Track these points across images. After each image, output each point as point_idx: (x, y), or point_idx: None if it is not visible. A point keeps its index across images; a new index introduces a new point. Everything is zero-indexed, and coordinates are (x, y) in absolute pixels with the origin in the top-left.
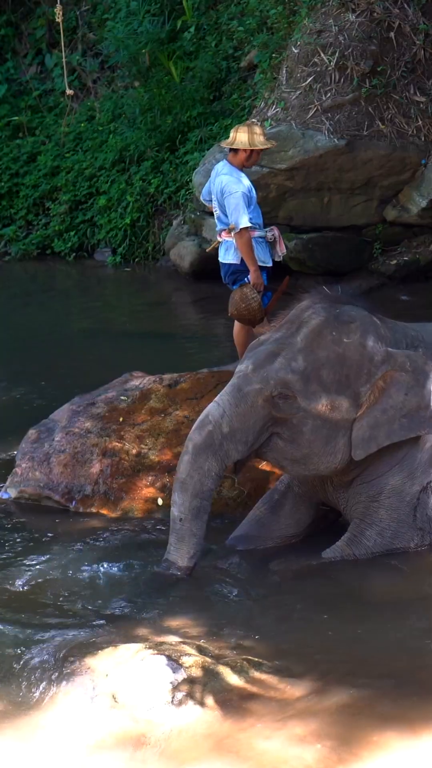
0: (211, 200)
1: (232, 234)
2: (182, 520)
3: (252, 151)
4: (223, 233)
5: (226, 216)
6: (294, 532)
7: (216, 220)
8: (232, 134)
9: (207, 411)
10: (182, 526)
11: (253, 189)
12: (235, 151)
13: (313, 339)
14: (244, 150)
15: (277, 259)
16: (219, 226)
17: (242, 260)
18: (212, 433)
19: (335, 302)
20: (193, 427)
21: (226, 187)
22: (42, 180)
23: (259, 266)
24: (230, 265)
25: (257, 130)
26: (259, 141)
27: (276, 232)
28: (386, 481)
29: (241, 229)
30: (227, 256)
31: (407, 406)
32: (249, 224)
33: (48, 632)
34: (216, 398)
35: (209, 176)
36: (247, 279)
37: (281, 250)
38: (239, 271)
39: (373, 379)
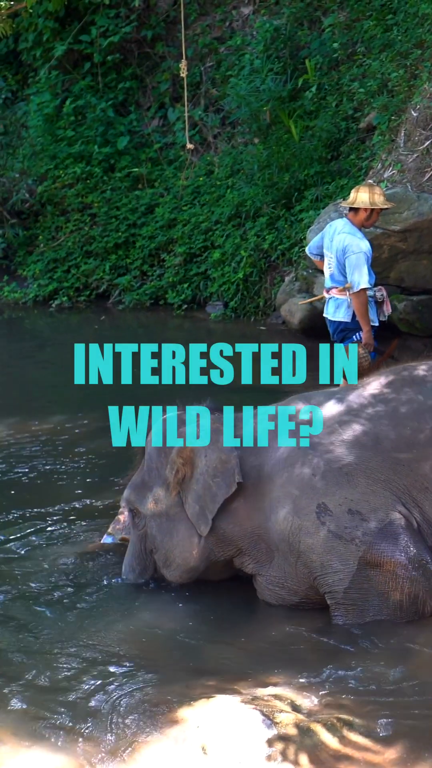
0: (318, 255)
1: (348, 293)
2: None
3: (372, 210)
4: (333, 290)
5: (342, 275)
6: None
7: (328, 277)
8: (352, 194)
9: None
10: None
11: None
12: (355, 210)
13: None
14: (365, 209)
15: (382, 319)
16: (330, 283)
17: (353, 318)
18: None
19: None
20: None
21: (349, 246)
22: (158, 231)
23: None
24: (340, 322)
25: (378, 190)
26: (380, 201)
27: (384, 291)
28: (275, 532)
29: (360, 289)
30: (338, 314)
31: (211, 466)
32: (368, 285)
33: (141, 678)
34: None
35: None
36: (356, 337)
37: (387, 310)
38: (349, 329)
39: (168, 458)
